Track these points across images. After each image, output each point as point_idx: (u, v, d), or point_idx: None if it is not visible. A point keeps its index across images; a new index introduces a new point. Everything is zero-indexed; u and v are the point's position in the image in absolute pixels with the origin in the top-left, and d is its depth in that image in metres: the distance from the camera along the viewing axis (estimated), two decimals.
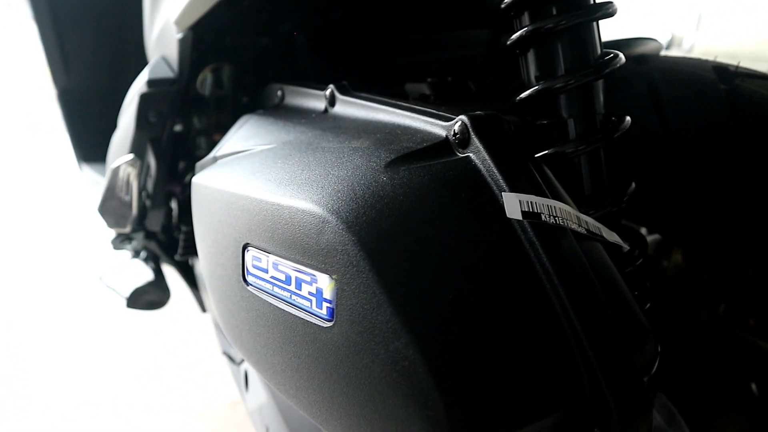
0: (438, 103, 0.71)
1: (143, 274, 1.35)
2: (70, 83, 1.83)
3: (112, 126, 1.15)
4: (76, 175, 1.83)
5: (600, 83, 0.55)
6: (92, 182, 1.61)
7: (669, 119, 0.62)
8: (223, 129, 1.02)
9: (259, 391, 0.95)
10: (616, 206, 0.54)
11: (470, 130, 0.48)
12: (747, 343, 0.71)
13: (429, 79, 0.74)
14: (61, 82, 1.83)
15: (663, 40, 2.87)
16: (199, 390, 1.70)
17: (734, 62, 0.64)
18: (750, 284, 0.57)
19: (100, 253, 1.23)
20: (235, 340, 0.59)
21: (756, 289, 0.57)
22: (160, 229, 1.08)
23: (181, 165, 1.08)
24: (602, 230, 0.47)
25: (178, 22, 0.84)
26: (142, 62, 1.05)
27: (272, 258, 0.49)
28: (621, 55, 0.56)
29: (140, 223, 1.02)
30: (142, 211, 1.01)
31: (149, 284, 1.32)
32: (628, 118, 0.56)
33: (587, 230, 0.46)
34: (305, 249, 0.46)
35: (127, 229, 1.02)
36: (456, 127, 0.49)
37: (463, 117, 0.48)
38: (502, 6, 0.55)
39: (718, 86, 0.61)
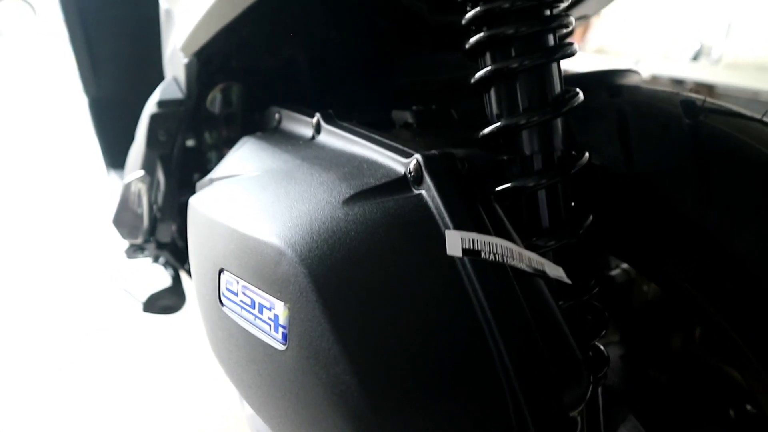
0: (419, 131, 0.75)
1: (160, 279, 1.41)
2: (99, 92, 1.90)
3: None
4: (104, 180, 1.90)
5: (559, 120, 0.57)
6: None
7: (633, 152, 0.64)
8: (233, 144, 1.07)
9: None
10: (573, 238, 0.57)
11: (423, 168, 0.51)
12: (717, 369, 0.73)
13: (413, 107, 0.78)
14: (91, 91, 1.89)
15: (692, 49, 2.85)
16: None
17: (702, 97, 0.66)
18: (709, 318, 0.59)
19: (120, 256, 1.30)
20: (215, 354, 0.64)
21: (714, 322, 0.59)
22: (171, 239, 1.14)
23: (195, 176, 1.13)
24: (545, 266, 0.50)
25: (183, 49, 0.89)
26: None
27: (242, 283, 0.54)
28: (580, 93, 0.58)
29: (151, 235, 1.08)
30: (153, 223, 1.06)
31: (165, 290, 1.38)
32: (587, 153, 0.59)
33: (528, 266, 0.49)
34: (265, 277, 0.50)
35: (139, 240, 1.08)
36: (411, 165, 0.52)
37: (417, 156, 0.52)
38: (467, 47, 0.58)
39: (682, 121, 0.63)
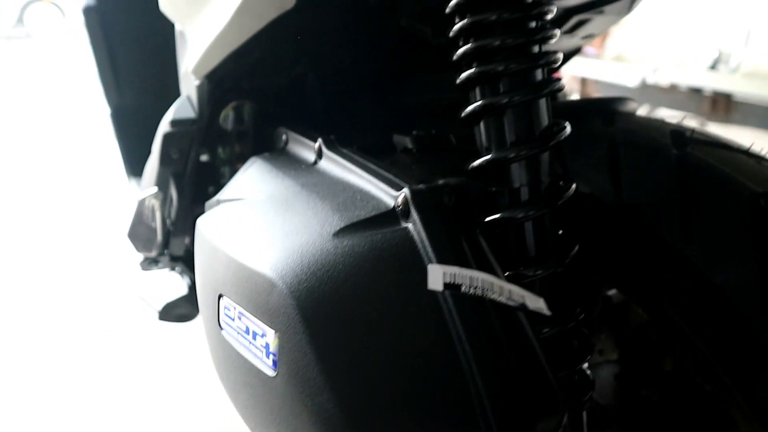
0: (417, 157, 0.77)
1: (175, 288, 1.45)
2: (121, 102, 1.95)
3: None
4: (125, 188, 1.95)
5: (546, 153, 0.59)
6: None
7: (622, 182, 0.66)
8: (245, 159, 1.10)
9: None
10: (560, 267, 0.59)
11: (410, 203, 0.53)
12: (705, 392, 0.74)
13: (413, 132, 0.80)
14: (113, 101, 1.94)
15: (710, 57, 2.84)
16: None
17: (691, 127, 0.67)
18: (691, 344, 0.61)
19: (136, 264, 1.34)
20: (216, 372, 0.67)
21: (695, 348, 0.61)
22: (185, 252, 1.17)
23: (210, 189, 1.17)
24: (526, 298, 0.52)
25: (194, 72, 0.92)
26: None
27: (238, 309, 0.56)
28: (567, 127, 0.60)
29: (165, 248, 1.12)
30: (167, 237, 1.10)
31: (181, 298, 1.42)
32: (573, 185, 0.61)
33: (508, 299, 0.51)
34: (259, 306, 0.52)
35: (153, 254, 1.11)
36: (399, 199, 0.55)
37: (405, 190, 0.54)
38: (458, 83, 0.61)
39: (670, 152, 0.64)
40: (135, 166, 1.95)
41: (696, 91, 2.86)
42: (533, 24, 0.58)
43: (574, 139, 0.63)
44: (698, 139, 0.65)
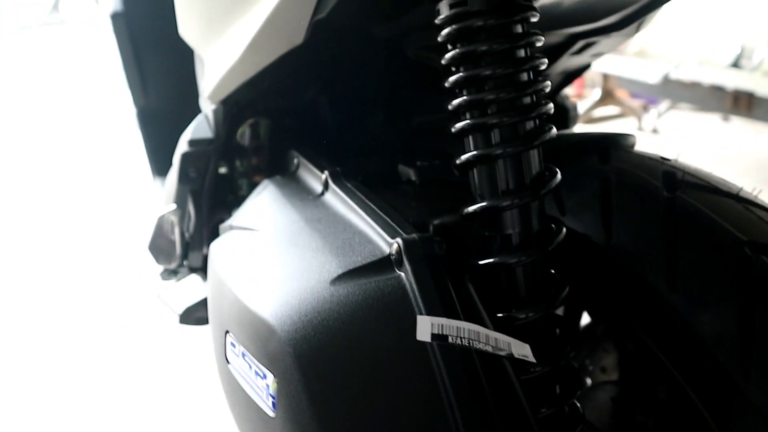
0: (419, 190, 0.80)
1: (196, 292, 1.50)
2: (147, 103, 2.00)
3: None
4: (150, 186, 2.00)
5: (537, 201, 0.62)
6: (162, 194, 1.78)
7: (612, 223, 0.68)
8: (262, 171, 1.14)
9: None
10: (551, 309, 0.62)
11: (402, 253, 0.57)
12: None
13: (418, 163, 0.83)
14: (139, 103, 2.00)
15: (732, 53, 2.80)
16: None
17: (683, 169, 0.69)
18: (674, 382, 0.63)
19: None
20: (226, 399, 0.71)
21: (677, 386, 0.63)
22: (202, 263, 1.22)
23: (230, 198, 1.21)
24: (512, 345, 0.55)
25: (210, 98, 0.96)
26: None
27: (242, 348, 0.60)
28: (558, 175, 0.63)
29: (184, 260, 1.16)
30: (185, 250, 1.14)
31: (200, 302, 1.47)
32: (564, 230, 0.64)
33: (494, 348, 0.54)
34: (259, 349, 0.56)
35: (173, 266, 1.16)
36: (393, 248, 0.58)
37: (398, 239, 0.57)
38: (453, 130, 0.63)
39: (660, 194, 0.66)
40: (160, 165, 2.00)
41: (718, 88, 2.83)
42: (525, 77, 0.60)
43: (570, 176, 0.66)
44: (689, 181, 0.67)
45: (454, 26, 0.60)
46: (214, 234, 1.23)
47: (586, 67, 1.22)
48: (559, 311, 0.71)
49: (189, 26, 1.01)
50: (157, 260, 1.19)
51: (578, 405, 0.65)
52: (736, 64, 2.83)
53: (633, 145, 0.79)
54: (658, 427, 0.81)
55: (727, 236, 0.61)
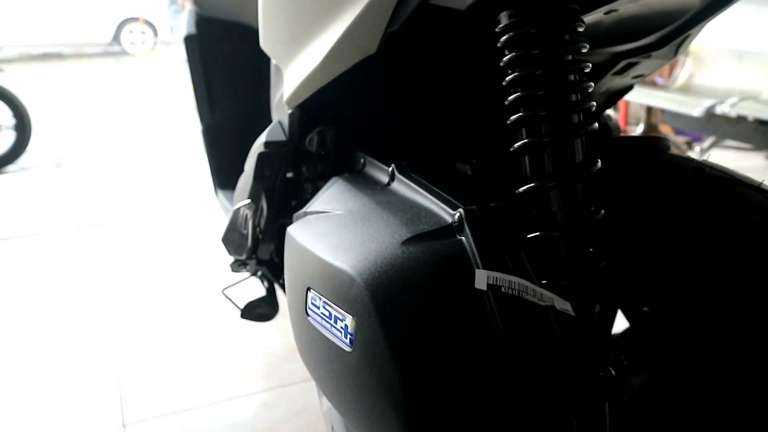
0: (474, 182, 0.91)
1: (258, 290, 1.62)
2: (213, 120, 2.15)
3: (245, 159, 1.41)
4: (212, 200, 2.14)
5: (579, 184, 0.72)
6: (223, 208, 1.91)
7: (647, 210, 0.78)
8: (326, 177, 1.26)
9: None
10: (588, 278, 0.72)
11: (464, 220, 0.67)
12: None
13: (473, 161, 0.93)
14: (206, 119, 2.15)
15: None
16: None
17: (710, 165, 0.79)
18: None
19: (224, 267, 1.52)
20: (300, 355, 0.81)
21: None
22: (270, 257, 1.34)
23: (293, 203, 1.33)
24: (555, 300, 0.65)
25: (288, 102, 1.08)
26: None
27: (323, 299, 0.71)
28: (599, 163, 0.73)
29: (254, 253, 1.28)
30: (256, 243, 1.26)
31: (261, 299, 1.59)
32: (602, 211, 0.73)
33: (540, 300, 0.64)
34: (340, 296, 0.67)
35: (243, 257, 1.28)
36: (456, 217, 0.68)
37: (461, 209, 0.68)
38: (507, 122, 0.74)
39: (690, 186, 0.76)
40: (222, 179, 2.14)
41: (763, 123, 2.88)
42: (570, 77, 0.71)
43: (613, 171, 0.76)
44: (715, 175, 0.76)
45: (511, 33, 0.71)
46: (280, 234, 1.36)
47: (629, 88, 1.31)
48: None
49: (272, 39, 1.14)
50: (230, 251, 1.31)
51: (612, 370, 0.74)
52: None
53: (669, 148, 0.88)
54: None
55: (748, 222, 0.70)
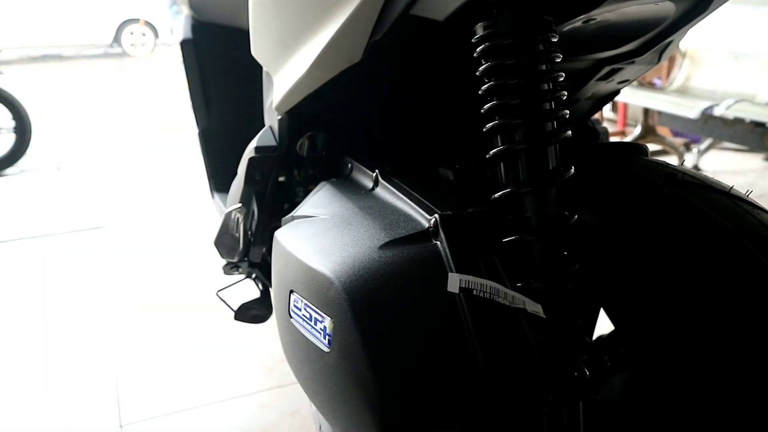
0: (455, 188, 0.93)
1: (252, 292, 1.64)
2: (210, 124, 2.17)
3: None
4: (208, 202, 2.16)
5: (553, 189, 0.74)
6: (219, 211, 1.93)
7: (620, 215, 0.80)
8: (316, 181, 1.28)
9: None
10: (561, 281, 0.74)
11: (439, 225, 0.69)
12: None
13: (456, 166, 0.95)
14: (202, 123, 2.17)
15: None
16: None
17: (683, 170, 0.81)
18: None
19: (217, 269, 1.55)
20: (285, 355, 0.84)
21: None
22: (261, 259, 1.36)
23: (285, 206, 1.35)
24: (526, 303, 0.67)
25: (277, 108, 1.11)
26: None
27: (304, 301, 0.73)
28: (572, 169, 0.75)
29: (245, 255, 1.31)
30: (247, 246, 1.29)
31: (255, 301, 1.61)
32: (575, 215, 0.76)
33: (511, 303, 0.66)
34: (320, 299, 0.69)
35: (235, 260, 1.31)
36: (431, 222, 0.70)
37: (436, 215, 0.70)
38: (483, 129, 0.76)
39: (662, 191, 0.78)
40: (218, 182, 2.17)
41: (759, 125, 2.89)
42: (544, 87, 0.73)
43: (590, 175, 0.78)
44: (687, 180, 0.79)
45: (486, 44, 0.73)
46: (272, 237, 1.38)
47: (615, 93, 1.33)
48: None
49: (262, 46, 1.16)
50: (222, 254, 1.34)
51: (585, 369, 0.76)
52: None
53: (647, 153, 0.91)
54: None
55: (716, 227, 0.72)
